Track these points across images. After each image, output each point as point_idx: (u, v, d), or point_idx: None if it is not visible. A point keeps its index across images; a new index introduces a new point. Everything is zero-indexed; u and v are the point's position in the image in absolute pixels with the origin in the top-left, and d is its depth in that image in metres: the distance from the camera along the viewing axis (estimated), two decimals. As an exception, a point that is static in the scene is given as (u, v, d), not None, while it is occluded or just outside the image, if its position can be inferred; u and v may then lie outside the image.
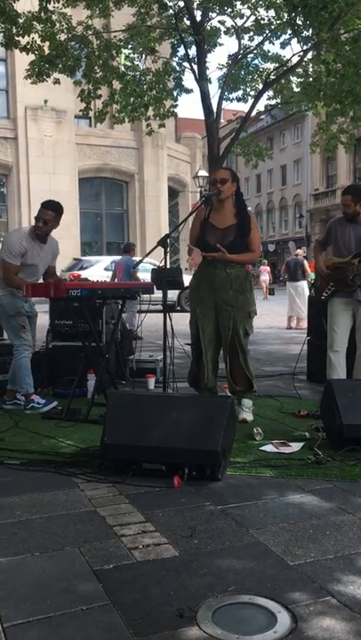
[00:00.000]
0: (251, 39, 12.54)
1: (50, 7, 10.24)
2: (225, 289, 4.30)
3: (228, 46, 65.47)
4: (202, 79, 11.53)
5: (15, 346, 4.79)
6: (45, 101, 22.77)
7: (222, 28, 12.33)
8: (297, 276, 12.38)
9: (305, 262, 12.69)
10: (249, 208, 4.70)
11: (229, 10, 11.88)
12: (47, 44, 10.69)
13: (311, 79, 11.87)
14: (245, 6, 11.83)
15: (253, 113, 12.99)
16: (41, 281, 4.86)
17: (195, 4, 11.48)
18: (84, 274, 14.19)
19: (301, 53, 11.53)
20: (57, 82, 11.30)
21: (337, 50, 10.36)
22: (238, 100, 13.37)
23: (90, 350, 4.87)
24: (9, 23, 9.61)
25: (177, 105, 13.21)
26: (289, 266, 12.73)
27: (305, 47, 11.24)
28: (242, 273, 4.37)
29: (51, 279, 4.77)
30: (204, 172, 21.72)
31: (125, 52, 12.21)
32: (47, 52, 10.81)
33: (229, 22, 12.30)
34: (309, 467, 3.37)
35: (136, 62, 12.50)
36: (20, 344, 4.76)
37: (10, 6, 9.31)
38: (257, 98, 12.57)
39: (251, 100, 12.84)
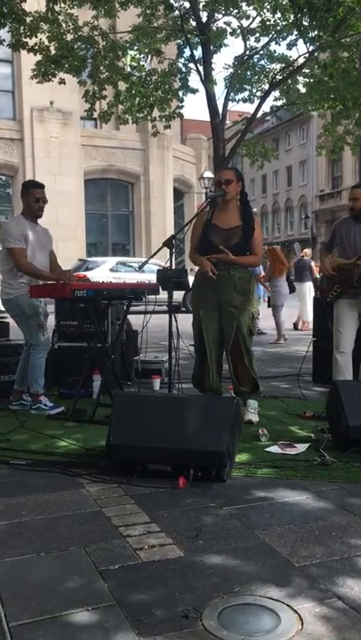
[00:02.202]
0: (257, 40, 12.51)
1: (57, 8, 10.28)
2: (228, 290, 4.28)
3: (233, 47, 65.24)
4: (208, 80, 11.53)
5: (32, 345, 4.81)
6: (51, 103, 22.80)
7: (228, 29, 12.31)
8: (303, 278, 12.32)
9: (312, 264, 12.60)
10: (254, 209, 4.68)
11: (235, 11, 11.87)
12: (53, 44, 10.73)
13: (317, 80, 11.84)
14: (251, 7, 11.82)
15: (259, 114, 12.96)
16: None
17: (200, 5, 11.47)
18: (89, 275, 14.21)
19: (307, 54, 11.51)
20: (62, 82, 11.32)
21: (338, 53, 10.34)
22: (244, 100, 13.34)
23: (95, 351, 4.88)
24: (17, 23, 9.66)
25: (183, 106, 13.19)
26: (296, 267, 12.68)
27: (311, 48, 11.23)
28: (245, 275, 4.34)
29: (56, 272, 4.80)
30: (209, 174, 21.72)
31: (131, 53, 12.21)
32: (53, 52, 10.84)
33: (235, 23, 12.31)
34: (315, 468, 3.36)
35: (142, 63, 12.51)
36: (37, 344, 4.79)
37: (17, 6, 9.36)
38: (263, 99, 12.55)
39: (257, 101, 12.82)
